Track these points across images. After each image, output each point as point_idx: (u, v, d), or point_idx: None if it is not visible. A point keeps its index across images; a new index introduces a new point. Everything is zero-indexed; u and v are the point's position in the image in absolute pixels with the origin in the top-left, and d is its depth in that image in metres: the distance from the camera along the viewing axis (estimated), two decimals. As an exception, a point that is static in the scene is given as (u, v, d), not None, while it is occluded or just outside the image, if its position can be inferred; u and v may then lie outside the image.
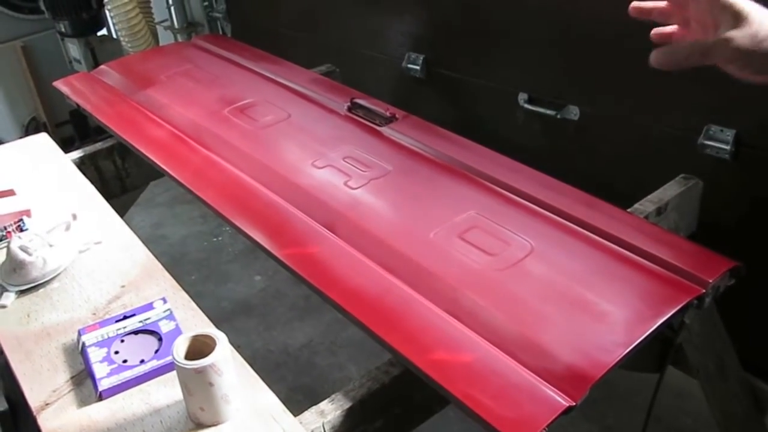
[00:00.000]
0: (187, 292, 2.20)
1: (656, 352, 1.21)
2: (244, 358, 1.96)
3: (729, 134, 1.42)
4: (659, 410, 1.29)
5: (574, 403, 0.89)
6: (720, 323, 1.27)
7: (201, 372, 0.87)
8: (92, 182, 1.56)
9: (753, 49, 0.70)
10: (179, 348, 0.89)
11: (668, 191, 1.38)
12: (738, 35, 0.70)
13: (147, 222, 2.77)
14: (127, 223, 1.36)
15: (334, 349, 2.04)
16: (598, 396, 0.95)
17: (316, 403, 1.00)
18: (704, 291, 1.07)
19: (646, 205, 1.34)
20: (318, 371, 1.97)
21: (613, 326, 1.00)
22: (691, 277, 1.09)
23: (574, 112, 1.71)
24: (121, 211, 1.78)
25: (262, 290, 2.34)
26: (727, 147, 1.42)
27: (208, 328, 0.96)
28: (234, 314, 2.24)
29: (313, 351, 2.04)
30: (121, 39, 2.71)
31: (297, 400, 1.85)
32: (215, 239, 2.63)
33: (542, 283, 1.08)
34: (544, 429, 0.86)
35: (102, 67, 2.09)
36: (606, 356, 0.96)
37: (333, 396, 1.00)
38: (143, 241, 1.29)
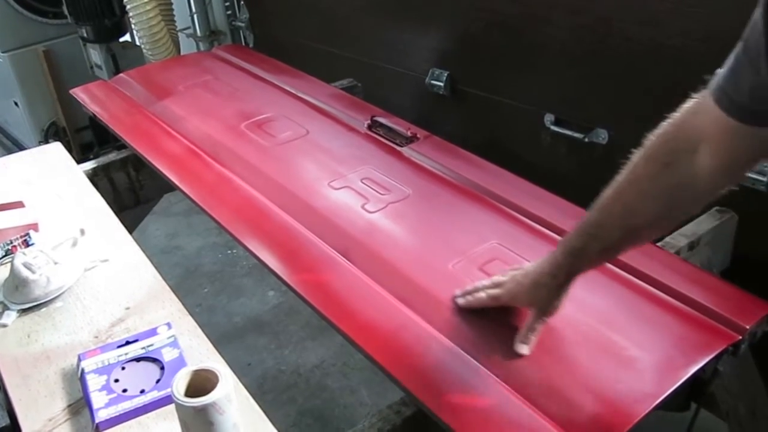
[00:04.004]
0: (200, 306, 2.16)
1: (686, 391, 1.14)
2: (255, 378, 1.91)
3: (765, 165, 1.35)
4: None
5: (598, 460, 0.83)
6: (754, 367, 1.20)
7: (201, 410, 0.82)
8: (105, 194, 1.53)
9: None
10: (179, 384, 0.84)
11: (702, 225, 1.32)
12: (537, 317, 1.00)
13: (162, 232, 2.73)
14: (142, 233, 1.33)
15: (347, 372, 1.98)
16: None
17: (325, 428, 0.95)
18: (741, 338, 1.00)
19: (678, 239, 1.28)
20: (329, 394, 1.91)
21: (642, 374, 0.94)
22: (727, 322, 1.02)
23: (602, 136, 1.65)
24: (134, 223, 1.75)
25: (276, 306, 2.29)
26: (764, 179, 1.35)
27: (211, 362, 0.91)
28: (246, 331, 2.20)
29: (324, 372, 1.99)
30: (143, 46, 2.69)
31: (306, 424, 1.80)
32: (230, 252, 2.59)
33: (567, 324, 1.02)
34: (565, 487, 0.80)
35: (121, 75, 2.07)
36: (633, 408, 0.90)
37: (341, 436, 0.95)
38: (158, 252, 1.25)
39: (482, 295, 1.04)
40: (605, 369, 0.96)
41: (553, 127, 1.74)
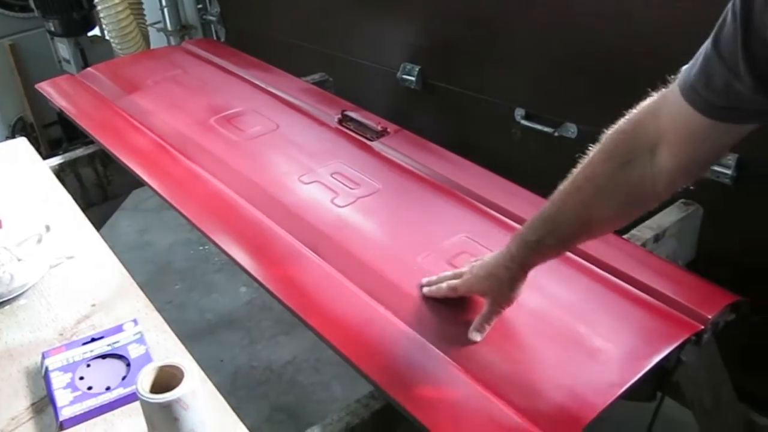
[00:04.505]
0: (170, 303, 2.14)
1: (650, 381, 1.16)
2: (227, 374, 1.90)
3: (731, 159, 1.37)
4: (652, 440, 1.24)
5: (562, 450, 0.84)
6: (718, 357, 1.22)
7: (166, 407, 0.81)
8: (72, 190, 1.51)
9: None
10: (144, 380, 0.83)
11: (667, 217, 1.33)
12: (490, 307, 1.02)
13: (133, 228, 2.70)
14: (112, 229, 1.31)
15: (319, 367, 1.98)
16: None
17: (298, 424, 0.94)
18: (703, 327, 1.02)
19: (644, 231, 1.29)
20: (301, 389, 1.91)
21: (606, 365, 0.96)
22: (690, 312, 1.04)
23: (571, 130, 1.66)
24: (102, 220, 1.73)
25: (248, 303, 2.28)
26: (729, 171, 1.37)
27: (176, 358, 0.90)
28: (218, 327, 2.18)
29: (297, 368, 1.99)
30: (111, 40, 2.66)
31: (279, 420, 1.80)
32: (202, 248, 2.56)
33: (533, 316, 1.03)
34: (531, 477, 0.81)
35: (88, 69, 2.04)
36: (598, 397, 0.91)
37: (308, 430, 0.95)
38: (128, 248, 1.23)
39: (443, 285, 1.07)
40: (570, 360, 0.97)
41: (523, 122, 1.75)
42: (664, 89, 0.81)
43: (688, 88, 0.75)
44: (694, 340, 1.03)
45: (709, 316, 1.03)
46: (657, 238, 1.29)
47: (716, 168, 1.38)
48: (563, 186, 0.91)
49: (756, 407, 1.45)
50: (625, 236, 1.26)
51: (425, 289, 1.09)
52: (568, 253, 1.18)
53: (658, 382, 1.15)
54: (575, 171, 0.89)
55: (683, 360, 1.07)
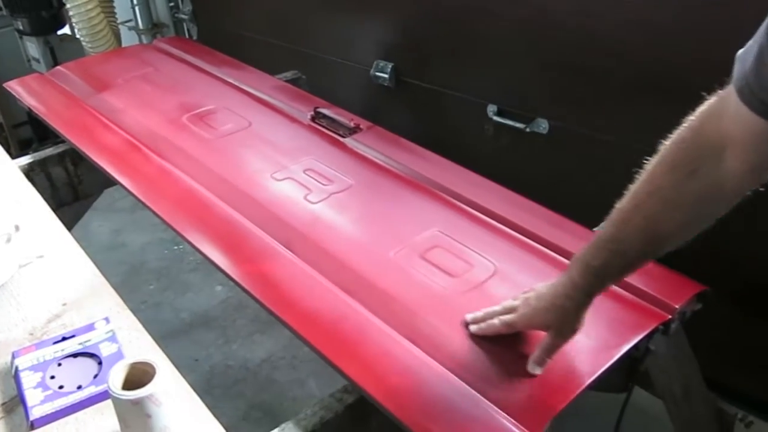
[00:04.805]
0: (145, 302, 2.13)
1: (623, 372, 1.18)
2: (202, 373, 1.89)
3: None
4: (624, 430, 1.26)
5: (533, 438, 0.85)
6: (687, 346, 1.24)
7: (138, 403, 0.81)
8: (42, 190, 1.49)
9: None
10: (115, 377, 0.83)
11: (636, 210, 1.35)
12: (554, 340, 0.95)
13: (106, 228, 2.68)
14: (84, 229, 1.30)
15: (296, 364, 1.98)
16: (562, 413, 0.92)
17: (275, 421, 0.95)
18: (671, 317, 1.04)
19: (611, 224, 1.31)
20: (278, 387, 1.91)
21: (576, 354, 0.97)
22: (658, 302, 1.06)
23: (543, 126, 1.68)
24: (73, 219, 1.71)
25: (223, 301, 2.27)
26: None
27: (148, 355, 0.90)
28: (193, 326, 2.18)
29: (273, 366, 1.99)
30: (82, 39, 2.63)
31: (255, 418, 1.80)
32: (176, 247, 2.55)
33: (503, 308, 1.04)
34: (502, 465, 0.82)
35: (58, 68, 2.02)
36: (568, 387, 0.92)
37: (283, 425, 0.95)
38: (101, 248, 1.22)
39: (495, 322, 1.00)
40: (541, 350, 0.98)
41: (495, 118, 1.76)
42: (720, 91, 0.77)
43: (744, 89, 0.71)
44: (662, 330, 1.05)
45: (677, 306, 1.05)
46: (626, 231, 1.31)
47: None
48: (621, 204, 0.86)
49: (725, 396, 1.47)
50: (595, 229, 1.27)
51: (473, 327, 1.01)
52: (536, 245, 1.19)
53: (628, 373, 1.17)
54: (633, 187, 0.85)
55: (652, 349, 1.09)
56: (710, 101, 0.78)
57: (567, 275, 0.92)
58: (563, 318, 0.93)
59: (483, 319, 1.01)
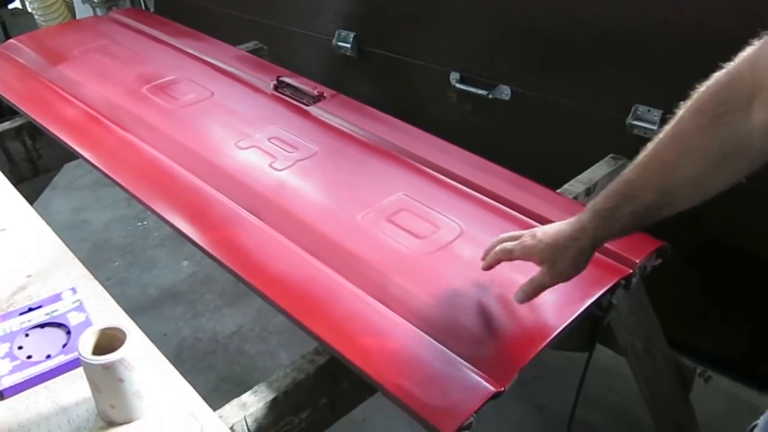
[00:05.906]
0: (110, 279, 2.10)
1: (586, 332, 1.21)
2: (171, 347, 1.88)
3: (656, 114, 1.42)
4: (589, 388, 1.30)
5: (501, 389, 0.87)
6: (647, 302, 1.28)
7: (109, 368, 0.81)
8: (0, 165, 1.46)
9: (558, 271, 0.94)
10: (85, 343, 0.83)
11: (597, 171, 1.38)
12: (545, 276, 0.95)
13: (67, 206, 2.63)
14: (45, 208, 1.28)
15: (265, 336, 1.98)
16: (529, 376, 0.94)
17: (246, 392, 0.95)
18: (632, 272, 1.07)
19: (576, 185, 1.34)
20: (248, 359, 1.91)
21: (540, 309, 0.99)
22: (619, 257, 1.09)
23: (505, 92, 1.70)
24: (34, 195, 1.68)
25: (190, 276, 2.25)
26: (655, 127, 1.42)
27: (118, 321, 0.90)
28: (160, 302, 2.15)
29: (243, 338, 1.98)
30: (34, 12, 2.56)
31: (226, 390, 1.79)
32: (140, 224, 2.52)
33: (471, 267, 1.06)
34: (472, 416, 0.84)
35: (11, 41, 1.96)
36: (534, 340, 0.94)
37: (256, 387, 0.96)
38: (63, 227, 1.20)
39: (497, 248, 1.00)
40: (507, 307, 1.00)
41: (458, 85, 1.77)
42: (766, 35, 0.70)
43: None
44: (624, 284, 1.08)
45: (637, 261, 1.08)
46: (588, 192, 1.34)
47: (642, 124, 1.43)
48: (646, 147, 0.81)
49: (684, 352, 1.52)
50: (558, 191, 1.30)
51: (483, 264, 1.02)
52: (501, 206, 1.21)
53: (591, 332, 1.21)
54: (662, 131, 0.80)
55: (614, 304, 1.12)
56: (753, 45, 0.72)
57: (577, 217, 0.91)
58: (561, 258, 0.92)
59: (487, 251, 1.01)
